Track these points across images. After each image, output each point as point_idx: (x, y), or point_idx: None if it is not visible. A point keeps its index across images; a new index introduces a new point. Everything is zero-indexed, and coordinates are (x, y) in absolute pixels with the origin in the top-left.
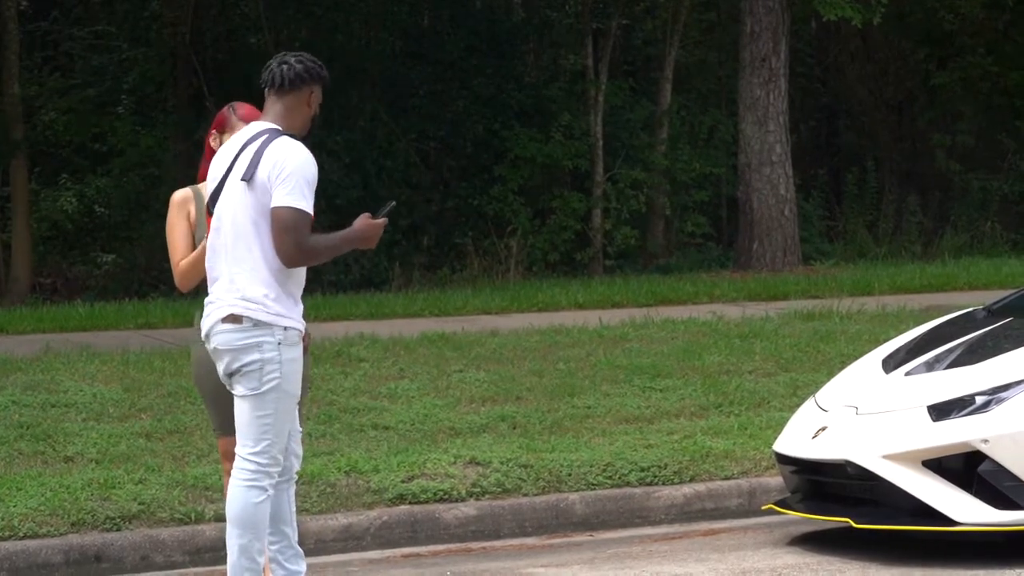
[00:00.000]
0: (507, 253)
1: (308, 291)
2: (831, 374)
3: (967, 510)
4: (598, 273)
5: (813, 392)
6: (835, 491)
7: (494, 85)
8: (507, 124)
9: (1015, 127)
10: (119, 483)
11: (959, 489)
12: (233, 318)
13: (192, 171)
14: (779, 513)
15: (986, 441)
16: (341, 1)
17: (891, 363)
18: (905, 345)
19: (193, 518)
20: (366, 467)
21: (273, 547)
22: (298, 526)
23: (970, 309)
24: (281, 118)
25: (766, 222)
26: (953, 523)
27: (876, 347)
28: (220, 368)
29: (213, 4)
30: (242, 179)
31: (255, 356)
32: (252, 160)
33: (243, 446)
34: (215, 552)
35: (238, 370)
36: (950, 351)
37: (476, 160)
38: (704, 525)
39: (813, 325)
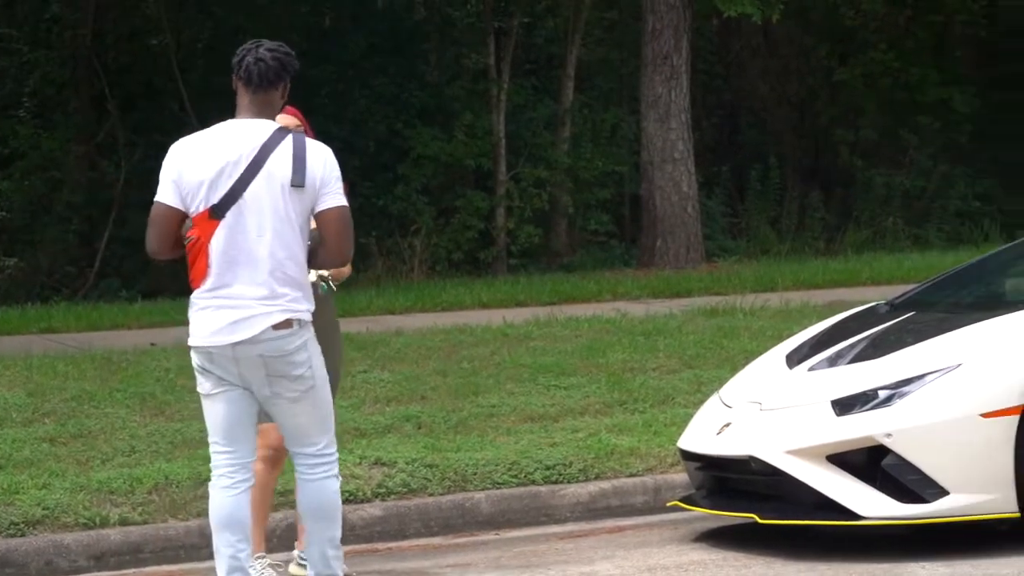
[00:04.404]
0: (411, 252)
1: None
2: (735, 370)
3: (871, 504)
4: (502, 272)
5: (717, 388)
6: (740, 487)
7: (396, 84)
8: (409, 123)
9: (916, 123)
10: (23, 488)
11: (863, 483)
12: (287, 323)
13: (93, 173)
14: (684, 509)
15: (889, 435)
16: (243, 2)
17: (794, 358)
18: (808, 340)
19: (98, 522)
20: None
21: (242, 553)
22: (204, 529)
23: (873, 304)
24: (262, 112)
25: (669, 219)
26: (858, 517)
27: (779, 343)
28: (253, 374)
29: (114, 6)
30: (294, 185)
31: (304, 356)
32: (296, 164)
33: (311, 445)
34: (120, 556)
35: (287, 374)
36: (853, 346)
37: (379, 159)
38: (610, 522)
39: (717, 322)
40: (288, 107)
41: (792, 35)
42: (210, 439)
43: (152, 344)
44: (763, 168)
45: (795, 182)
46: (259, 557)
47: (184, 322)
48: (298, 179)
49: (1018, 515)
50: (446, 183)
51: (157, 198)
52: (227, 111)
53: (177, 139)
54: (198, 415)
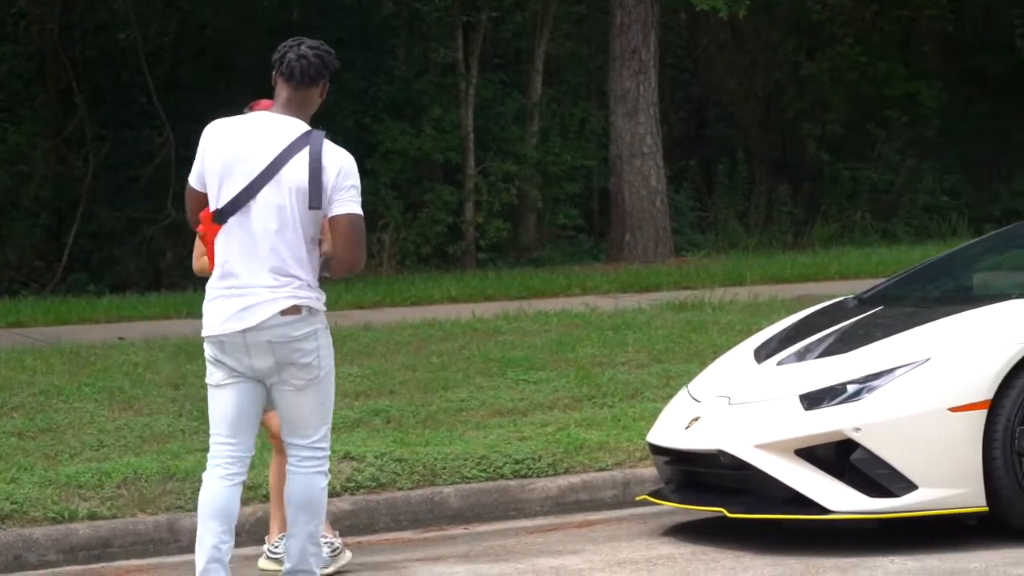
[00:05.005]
0: (380, 247)
1: (181, 288)
2: (703, 364)
3: (840, 498)
4: (471, 266)
5: (686, 383)
6: (709, 481)
7: (364, 79)
8: (378, 118)
9: (883, 116)
10: None
11: (832, 477)
12: (294, 309)
13: (60, 167)
14: (653, 504)
15: (858, 429)
16: None
17: (763, 353)
18: (777, 335)
19: (67, 516)
20: None
21: (224, 545)
22: (173, 523)
23: (841, 298)
24: (299, 109)
25: (638, 214)
26: (826, 511)
27: (748, 337)
28: (264, 362)
29: (81, 0)
30: (311, 207)
31: (313, 344)
32: (313, 168)
33: (305, 436)
34: (89, 551)
35: (294, 361)
36: (821, 340)
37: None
38: (579, 517)
39: (685, 316)
40: (262, 101)
41: (759, 30)
42: (212, 430)
43: (120, 338)
44: (731, 162)
45: (763, 176)
46: (281, 537)
47: (151, 317)
48: (315, 197)
49: (986, 509)
50: (414, 177)
51: (189, 176)
52: (194, 104)
53: (145, 132)
54: (166, 409)
